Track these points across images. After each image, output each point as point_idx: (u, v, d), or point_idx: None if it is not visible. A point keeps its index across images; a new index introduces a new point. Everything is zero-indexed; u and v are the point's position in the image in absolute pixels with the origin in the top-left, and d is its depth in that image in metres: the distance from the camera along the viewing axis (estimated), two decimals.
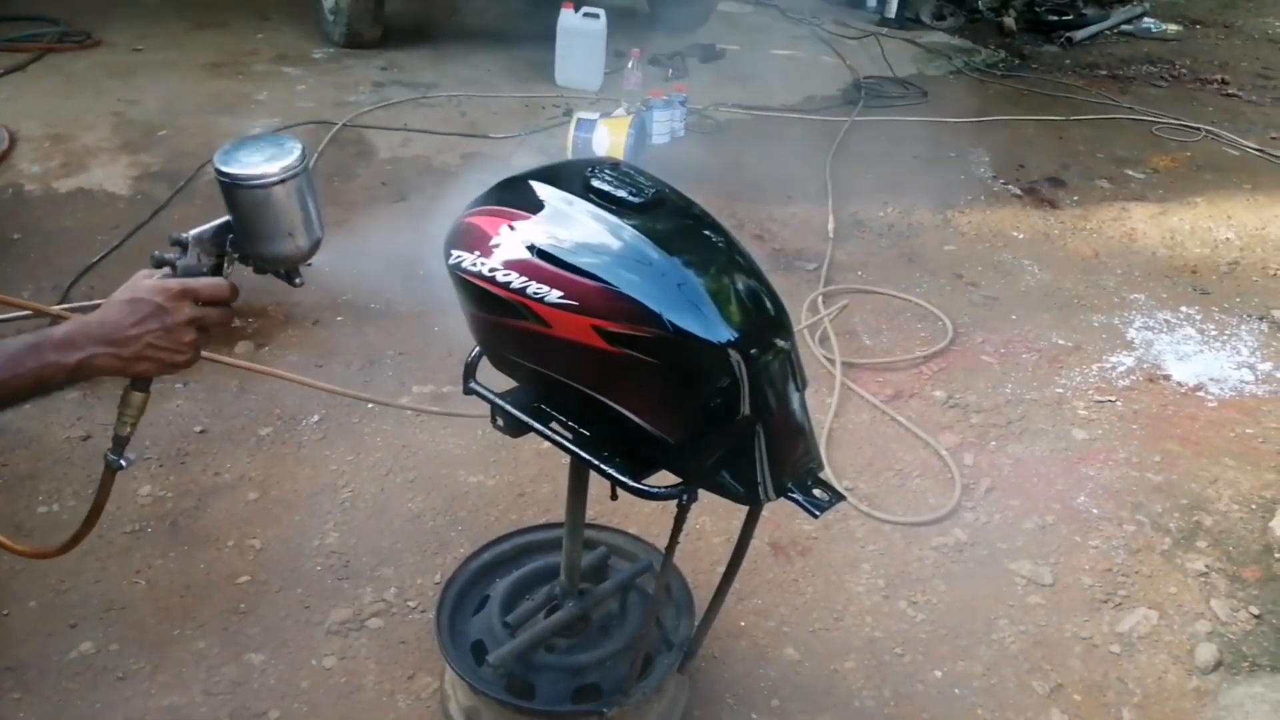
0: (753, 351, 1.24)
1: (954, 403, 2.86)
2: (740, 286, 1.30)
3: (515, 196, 1.38)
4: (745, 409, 1.25)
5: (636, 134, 4.08)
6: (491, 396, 1.49)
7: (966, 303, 3.41)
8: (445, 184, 3.94)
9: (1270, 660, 2.07)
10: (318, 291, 3.20)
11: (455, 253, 1.37)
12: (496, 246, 1.32)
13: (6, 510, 2.24)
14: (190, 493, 2.33)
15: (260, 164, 1.15)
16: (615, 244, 1.27)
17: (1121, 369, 3.09)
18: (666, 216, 1.33)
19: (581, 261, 1.26)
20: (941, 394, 2.90)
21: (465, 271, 1.35)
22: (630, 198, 1.32)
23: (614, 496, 1.41)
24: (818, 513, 1.30)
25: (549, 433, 1.43)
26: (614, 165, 1.40)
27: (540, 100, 4.80)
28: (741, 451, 1.29)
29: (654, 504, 2.33)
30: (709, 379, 1.25)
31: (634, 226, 1.28)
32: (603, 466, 1.36)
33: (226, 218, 1.25)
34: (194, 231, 1.18)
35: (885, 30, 6.43)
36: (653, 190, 1.35)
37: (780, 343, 1.29)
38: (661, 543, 1.93)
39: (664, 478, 1.36)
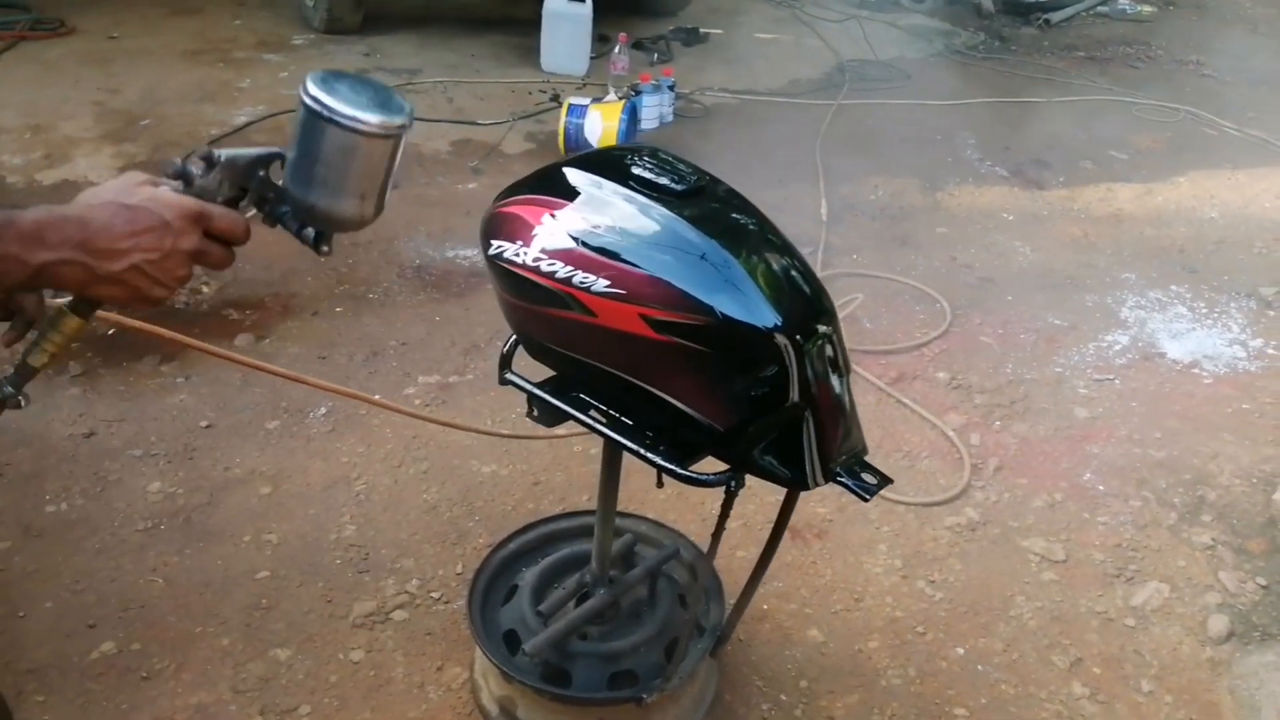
0: (799, 337, 1.24)
1: (957, 384, 2.89)
2: (785, 274, 1.29)
3: (555, 185, 1.37)
4: (794, 395, 1.25)
5: (629, 119, 4.06)
6: (529, 386, 1.48)
7: (962, 284, 3.44)
8: (435, 171, 3.92)
9: None
10: (313, 282, 3.17)
11: (496, 242, 1.36)
12: (538, 236, 1.31)
13: (15, 510, 2.20)
14: (201, 488, 2.30)
15: (366, 106, 0.98)
16: (661, 232, 1.26)
17: (1118, 347, 3.13)
18: (709, 203, 1.33)
19: (628, 250, 1.25)
20: (944, 375, 2.92)
21: (507, 261, 1.34)
22: (672, 185, 1.31)
23: (660, 484, 1.40)
24: (868, 496, 1.31)
25: (590, 421, 1.42)
26: (653, 152, 1.40)
27: (527, 85, 4.76)
28: (789, 437, 1.29)
29: (666, 490, 2.33)
30: (758, 366, 1.24)
31: (678, 214, 1.27)
32: (649, 455, 1.35)
33: (274, 149, 1.07)
34: (228, 152, 0.99)
35: (866, 13, 6.44)
36: (694, 177, 1.34)
37: (824, 328, 1.29)
38: (678, 528, 1.96)
39: (707, 463, 1.37)
